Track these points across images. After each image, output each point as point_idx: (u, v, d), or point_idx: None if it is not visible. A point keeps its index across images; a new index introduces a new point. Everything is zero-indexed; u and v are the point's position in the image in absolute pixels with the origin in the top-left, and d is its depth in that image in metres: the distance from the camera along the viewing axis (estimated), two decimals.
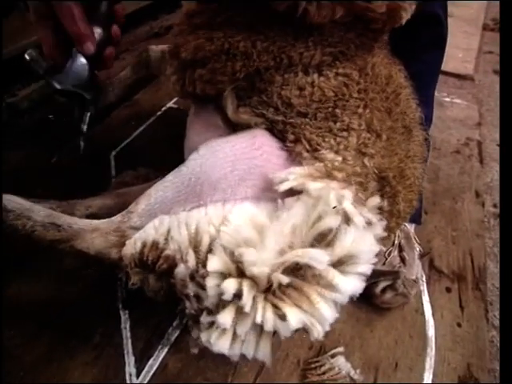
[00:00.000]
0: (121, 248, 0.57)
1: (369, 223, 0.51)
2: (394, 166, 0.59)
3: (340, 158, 0.57)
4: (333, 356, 0.71)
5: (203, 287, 0.49)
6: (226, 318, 0.47)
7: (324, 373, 0.69)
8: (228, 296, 0.46)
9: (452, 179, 1.11)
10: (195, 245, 0.52)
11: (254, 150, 0.58)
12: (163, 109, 1.36)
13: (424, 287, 0.84)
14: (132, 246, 0.55)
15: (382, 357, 0.72)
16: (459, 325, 0.77)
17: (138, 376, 0.69)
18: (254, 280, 0.47)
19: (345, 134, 0.58)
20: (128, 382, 0.69)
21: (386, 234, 0.55)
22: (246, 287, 0.46)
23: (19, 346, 0.70)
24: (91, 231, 0.58)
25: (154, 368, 0.70)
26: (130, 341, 0.74)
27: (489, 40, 1.98)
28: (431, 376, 0.69)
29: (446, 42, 0.83)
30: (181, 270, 0.51)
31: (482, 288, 0.84)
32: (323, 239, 0.49)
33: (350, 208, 0.50)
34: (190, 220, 0.54)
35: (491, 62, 1.77)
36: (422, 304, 0.81)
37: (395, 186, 0.59)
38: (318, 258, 0.46)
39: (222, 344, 0.48)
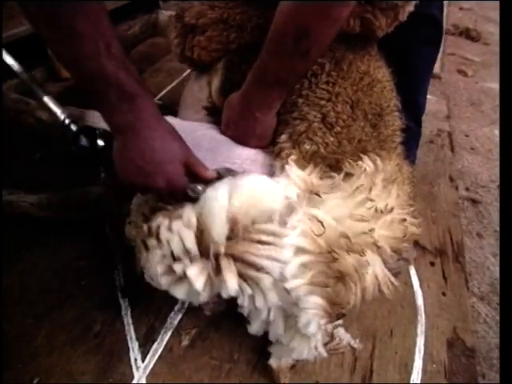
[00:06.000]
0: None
1: None
2: (347, 149, 0.64)
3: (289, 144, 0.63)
4: (333, 328, 0.74)
5: None
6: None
7: (327, 343, 0.72)
8: None
9: (428, 166, 1.19)
10: None
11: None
12: None
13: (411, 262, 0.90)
14: None
15: (377, 326, 0.77)
16: (444, 294, 0.84)
17: (143, 360, 0.69)
18: None
19: (297, 122, 0.63)
20: (134, 366, 0.69)
21: None
22: None
23: (17, 338, 0.69)
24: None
25: (159, 351, 0.71)
26: (131, 327, 0.74)
27: (451, 43, 2.14)
28: (423, 340, 0.75)
29: (441, 41, 0.90)
30: None
31: (461, 261, 0.91)
32: None
33: None
34: None
35: (454, 63, 1.92)
36: (410, 277, 0.86)
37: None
38: None
39: None
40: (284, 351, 0.64)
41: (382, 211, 0.57)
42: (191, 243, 0.50)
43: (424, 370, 0.70)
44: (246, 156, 0.65)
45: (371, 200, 0.56)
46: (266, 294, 0.51)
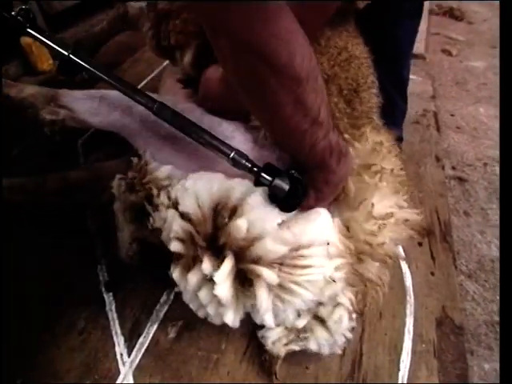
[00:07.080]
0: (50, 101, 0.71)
1: None
2: None
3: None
4: None
5: None
6: None
7: None
8: None
9: (414, 147, 1.18)
10: None
11: None
12: None
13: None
14: None
15: (366, 308, 0.76)
16: (432, 273, 0.83)
17: (129, 355, 0.68)
18: None
19: None
20: (120, 361, 0.67)
21: None
22: None
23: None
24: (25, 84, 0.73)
25: (146, 345, 0.69)
26: (117, 322, 0.72)
27: (435, 23, 2.12)
28: (412, 320, 0.74)
29: (422, 10, 0.90)
30: None
31: (448, 240, 0.91)
32: None
33: None
34: None
35: (439, 43, 1.91)
36: (398, 258, 0.86)
37: None
38: None
39: None
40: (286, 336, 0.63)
41: (384, 224, 0.58)
42: None
43: (413, 351, 0.70)
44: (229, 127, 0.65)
45: (375, 218, 0.58)
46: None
